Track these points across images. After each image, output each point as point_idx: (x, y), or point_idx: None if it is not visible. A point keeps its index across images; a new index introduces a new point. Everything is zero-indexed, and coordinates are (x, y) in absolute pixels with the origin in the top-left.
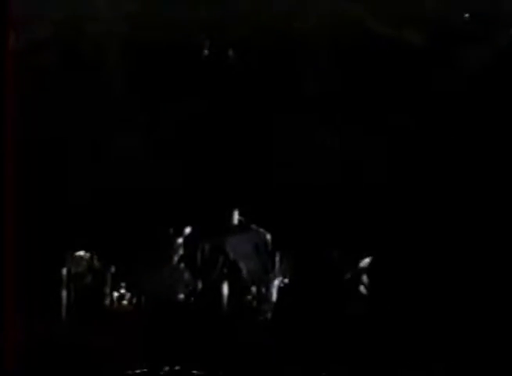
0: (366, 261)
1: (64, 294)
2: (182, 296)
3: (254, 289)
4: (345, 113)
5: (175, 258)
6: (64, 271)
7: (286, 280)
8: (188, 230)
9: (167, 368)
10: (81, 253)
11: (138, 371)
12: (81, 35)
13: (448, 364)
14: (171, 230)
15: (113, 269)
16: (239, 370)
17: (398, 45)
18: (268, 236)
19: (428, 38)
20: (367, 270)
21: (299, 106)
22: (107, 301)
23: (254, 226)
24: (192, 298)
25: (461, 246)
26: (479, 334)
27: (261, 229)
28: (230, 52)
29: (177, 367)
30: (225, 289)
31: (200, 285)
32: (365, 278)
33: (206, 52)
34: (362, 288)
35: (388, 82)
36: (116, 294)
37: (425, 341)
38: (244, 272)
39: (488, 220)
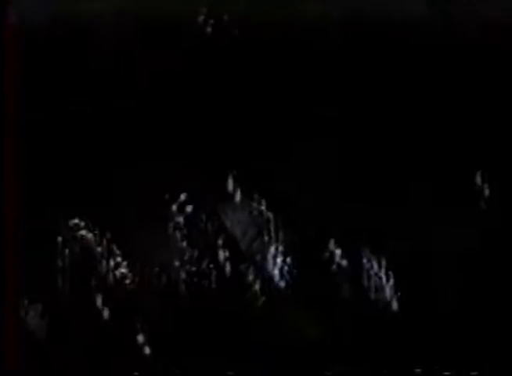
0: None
1: (60, 263)
2: (178, 264)
3: (249, 257)
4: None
5: (171, 226)
6: (59, 240)
7: (282, 248)
8: (183, 197)
9: (164, 339)
10: (76, 221)
11: (138, 344)
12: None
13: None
14: (167, 198)
15: (108, 237)
16: (239, 337)
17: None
18: (264, 204)
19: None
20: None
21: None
22: (103, 270)
23: (249, 193)
24: (189, 266)
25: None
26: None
27: (257, 196)
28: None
29: (175, 337)
30: (221, 257)
31: (196, 253)
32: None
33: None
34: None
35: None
36: (112, 262)
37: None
38: (240, 239)
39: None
